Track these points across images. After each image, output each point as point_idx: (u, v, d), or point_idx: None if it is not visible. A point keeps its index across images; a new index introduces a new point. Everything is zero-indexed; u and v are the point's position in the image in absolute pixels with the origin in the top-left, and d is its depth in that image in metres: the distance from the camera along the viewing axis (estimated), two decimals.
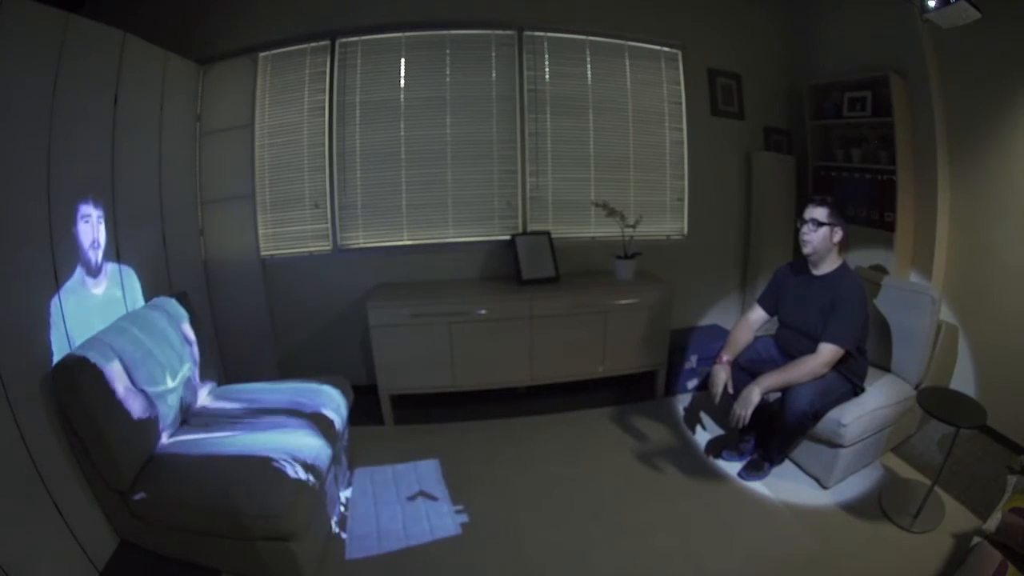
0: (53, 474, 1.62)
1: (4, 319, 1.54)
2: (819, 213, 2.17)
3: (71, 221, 1.87)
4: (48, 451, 1.62)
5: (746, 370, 2.33)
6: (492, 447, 2.67)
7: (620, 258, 3.06)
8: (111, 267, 2.08)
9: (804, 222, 2.21)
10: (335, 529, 2.06)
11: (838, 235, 2.19)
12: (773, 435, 2.34)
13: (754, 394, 2.12)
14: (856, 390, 2.25)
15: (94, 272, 1.96)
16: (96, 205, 2.00)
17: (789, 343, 2.35)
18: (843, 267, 2.24)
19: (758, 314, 2.48)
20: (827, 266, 2.24)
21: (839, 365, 2.16)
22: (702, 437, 2.71)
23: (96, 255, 1.98)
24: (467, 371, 2.85)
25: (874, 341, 2.55)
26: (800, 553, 1.94)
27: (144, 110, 2.40)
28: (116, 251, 2.12)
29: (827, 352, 2.10)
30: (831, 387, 2.16)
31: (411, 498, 2.26)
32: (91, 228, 1.96)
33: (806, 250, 2.22)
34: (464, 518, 2.15)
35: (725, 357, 2.36)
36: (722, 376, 2.29)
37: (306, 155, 3.04)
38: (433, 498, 2.26)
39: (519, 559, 1.94)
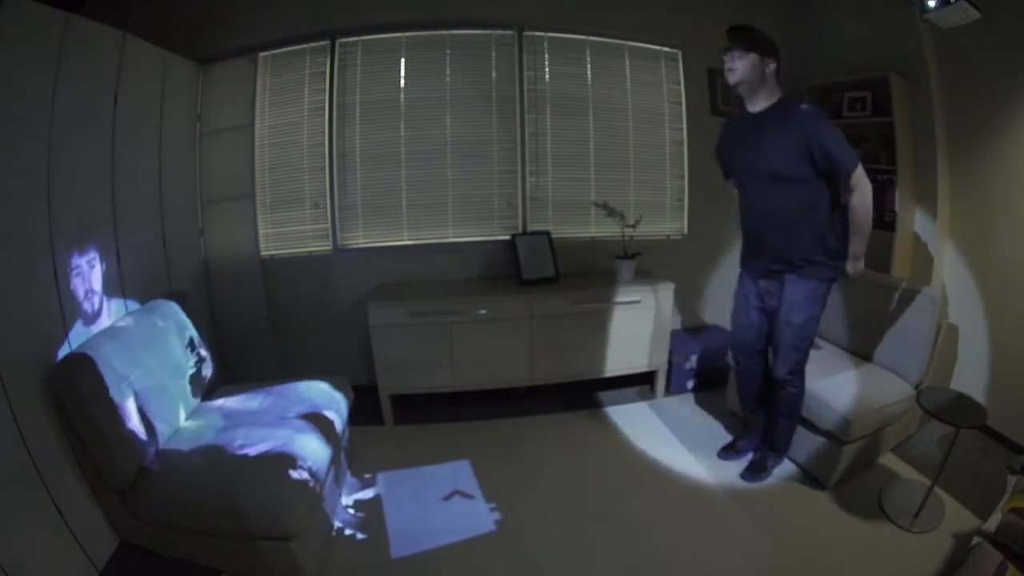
0: (53, 474, 1.62)
1: (4, 319, 1.54)
2: (743, 39, 1.98)
3: (67, 263, 1.84)
4: (48, 451, 1.62)
5: (748, 355, 2.38)
6: (491, 447, 2.66)
7: (620, 258, 3.06)
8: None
9: (727, 51, 2.00)
10: (335, 529, 2.06)
11: (771, 65, 1.99)
12: (777, 418, 2.34)
13: (859, 268, 2.10)
14: (834, 277, 2.15)
15: (94, 318, 1.95)
16: (88, 252, 1.97)
17: (750, 201, 2.20)
18: (784, 100, 2.05)
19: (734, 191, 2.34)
20: (764, 100, 2.04)
21: (818, 258, 2.08)
22: (701, 437, 2.71)
23: (93, 302, 1.95)
24: (467, 371, 2.85)
25: (874, 339, 2.56)
26: (800, 553, 1.94)
27: (144, 110, 2.40)
28: (116, 251, 2.13)
29: (858, 179, 1.98)
30: (811, 312, 2.13)
31: (411, 498, 2.26)
32: (85, 278, 1.93)
33: (732, 79, 2.01)
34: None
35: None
36: None
37: (306, 155, 3.04)
38: (433, 498, 2.26)
39: (518, 559, 1.94)
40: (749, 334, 2.35)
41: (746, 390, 2.50)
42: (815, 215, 2.06)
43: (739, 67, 1.98)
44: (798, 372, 2.23)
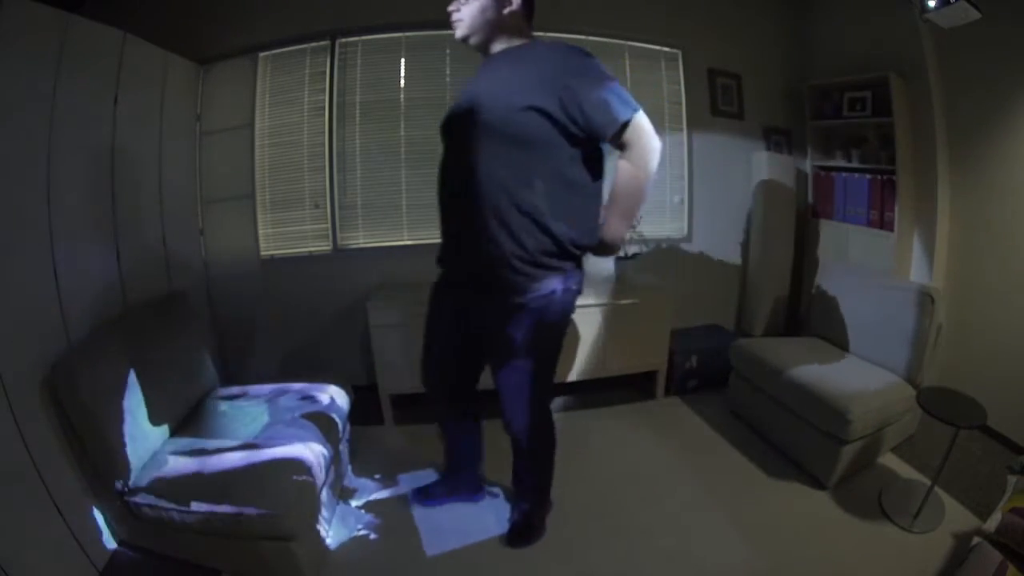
0: (53, 474, 1.62)
1: (4, 319, 1.54)
2: None
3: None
4: (48, 451, 1.62)
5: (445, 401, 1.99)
6: (491, 447, 2.65)
7: (620, 258, 3.06)
8: None
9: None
10: (334, 530, 2.06)
11: (511, 5, 1.51)
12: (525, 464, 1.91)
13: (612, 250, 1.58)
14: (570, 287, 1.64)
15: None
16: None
17: (448, 170, 1.68)
18: (532, 42, 1.58)
19: None
20: (506, 44, 1.56)
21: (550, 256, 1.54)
22: (702, 438, 2.72)
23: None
24: None
25: (873, 339, 2.55)
26: (800, 553, 1.94)
27: (144, 110, 2.40)
28: (116, 251, 2.13)
29: (634, 134, 1.39)
30: (541, 346, 1.60)
31: (412, 499, 2.26)
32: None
33: (458, 33, 1.54)
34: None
35: None
36: None
37: (306, 155, 3.04)
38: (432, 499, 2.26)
39: (517, 559, 1.94)
40: (443, 371, 1.85)
41: (449, 441, 2.07)
42: (548, 194, 1.46)
43: (464, 15, 1.51)
44: (539, 423, 1.71)
